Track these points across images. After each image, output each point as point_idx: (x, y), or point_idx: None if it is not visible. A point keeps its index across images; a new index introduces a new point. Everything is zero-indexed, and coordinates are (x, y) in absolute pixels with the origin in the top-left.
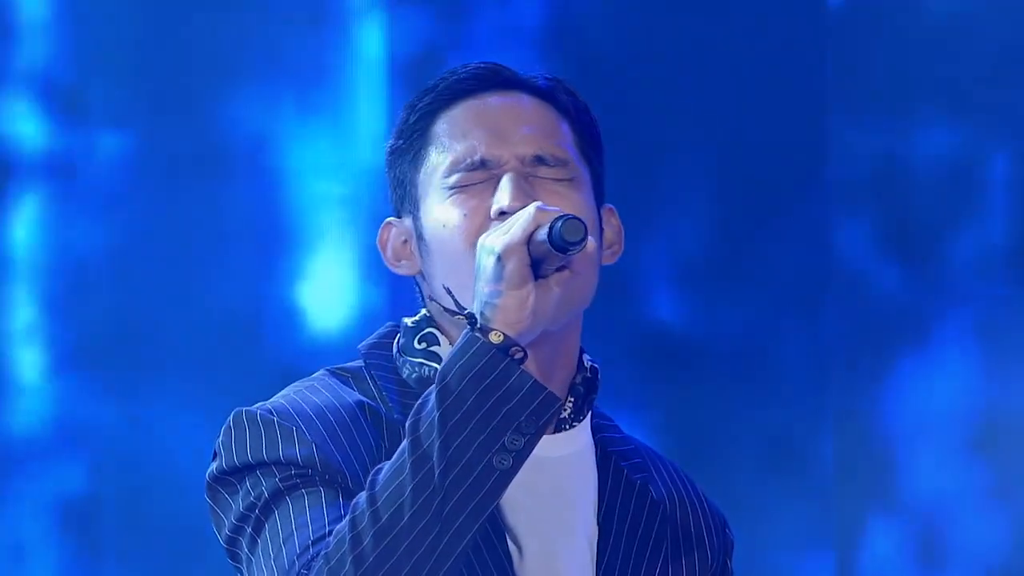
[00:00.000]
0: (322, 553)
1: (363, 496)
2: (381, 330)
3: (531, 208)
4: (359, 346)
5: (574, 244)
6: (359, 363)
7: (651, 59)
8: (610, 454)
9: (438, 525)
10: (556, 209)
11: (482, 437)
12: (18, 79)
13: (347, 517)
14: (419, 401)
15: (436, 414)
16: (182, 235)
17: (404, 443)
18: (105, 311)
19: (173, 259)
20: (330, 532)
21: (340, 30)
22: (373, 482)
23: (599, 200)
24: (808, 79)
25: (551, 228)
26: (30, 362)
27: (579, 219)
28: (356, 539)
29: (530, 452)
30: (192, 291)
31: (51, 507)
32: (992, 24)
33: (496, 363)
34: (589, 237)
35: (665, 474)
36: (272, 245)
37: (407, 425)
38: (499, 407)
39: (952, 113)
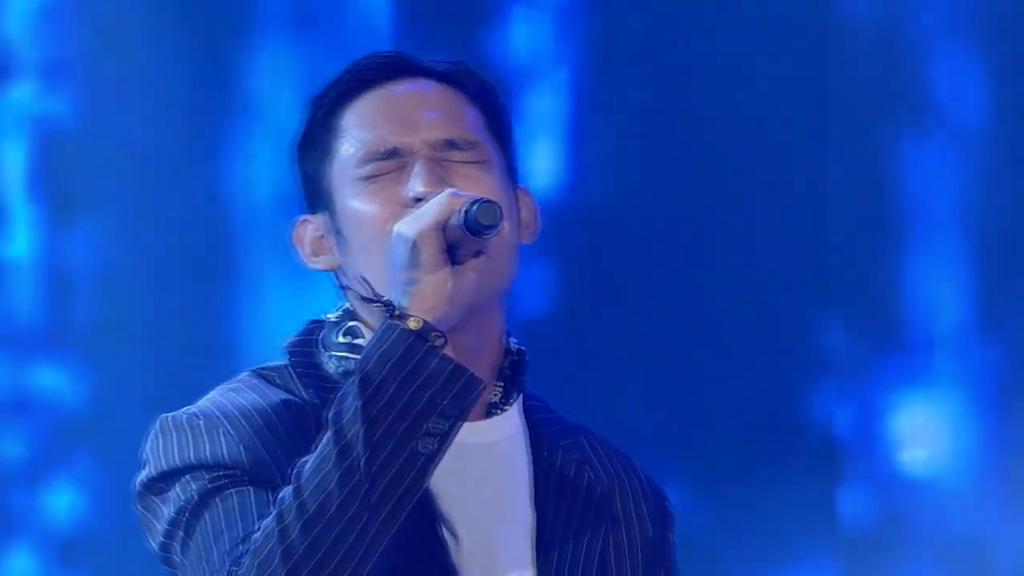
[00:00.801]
0: (251, 549)
1: (288, 489)
2: (304, 327)
3: (444, 194)
4: (283, 345)
5: (489, 227)
6: (283, 362)
7: (659, 60)
8: (543, 436)
9: (366, 513)
10: (470, 194)
11: (405, 423)
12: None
13: (274, 511)
14: (340, 392)
15: (358, 403)
16: (182, 231)
17: (327, 434)
18: (93, 310)
19: (168, 255)
20: (259, 528)
21: (344, 33)
22: (298, 475)
23: (512, 181)
24: (809, 84)
25: (466, 212)
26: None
27: (494, 202)
28: (284, 532)
29: (454, 435)
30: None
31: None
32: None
33: (416, 349)
34: (504, 221)
35: (601, 452)
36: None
37: (329, 416)
38: (421, 392)
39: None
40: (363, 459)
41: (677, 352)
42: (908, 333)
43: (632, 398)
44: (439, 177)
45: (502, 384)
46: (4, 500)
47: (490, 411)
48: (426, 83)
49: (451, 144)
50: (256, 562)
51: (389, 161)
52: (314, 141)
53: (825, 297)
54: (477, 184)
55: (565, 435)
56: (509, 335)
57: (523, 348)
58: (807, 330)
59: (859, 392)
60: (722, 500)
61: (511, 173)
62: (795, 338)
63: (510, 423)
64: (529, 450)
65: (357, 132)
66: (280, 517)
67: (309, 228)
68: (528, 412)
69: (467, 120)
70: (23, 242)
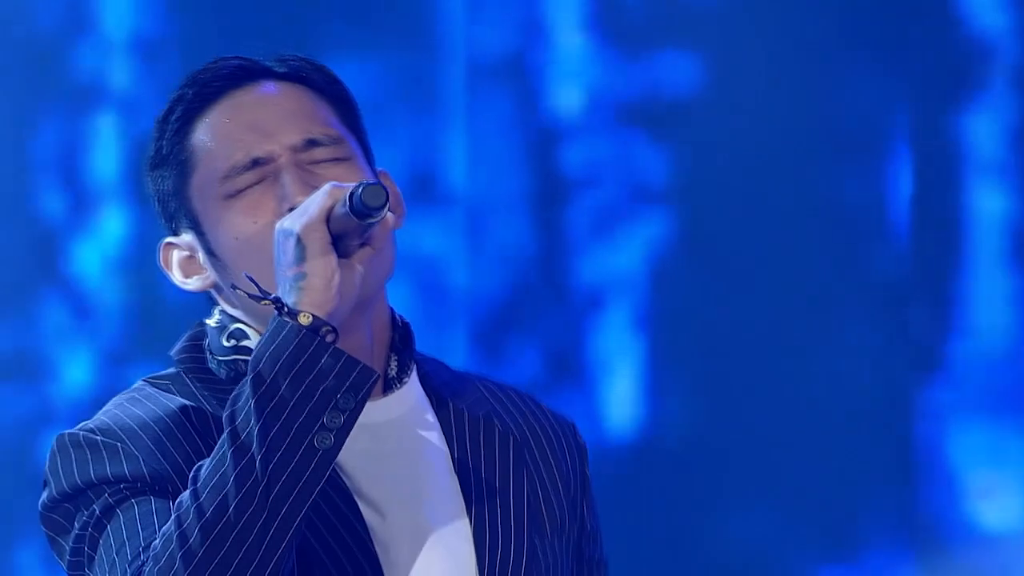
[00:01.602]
0: (151, 555)
1: (186, 494)
2: (189, 333)
3: (326, 187)
4: (170, 352)
5: (377, 209)
6: (175, 370)
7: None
8: (446, 399)
9: (264, 512)
10: (351, 184)
11: (300, 420)
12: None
13: (172, 516)
14: (234, 393)
15: (251, 402)
16: None
17: (223, 436)
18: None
19: None
20: (159, 535)
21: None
22: (195, 478)
23: (373, 168)
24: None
25: (351, 196)
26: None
27: (380, 184)
28: (183, 536)
29: (351, 428)
30: None
31: None
32: None
33: (307, 344)
34: (389, 201)
35: (504, 398)
36: None
37: (224, 417)
38: (314, 388)
39: None
40: (259, 457)
41: (755, 360)
42: (983, 341)
43: (706, 405)
44: (310, 183)
45: (397, 358)
46: None
47: (389, 386)
48: (273, 85)
49: (313, 143)
50: (157, 568)
51: (253, 172)
52: (168, 161)
53: (904, 299)
54: (350, 180)
55: (466, 391)
56: (393, 311)
57: (407, 320)
58: (891, 332)
59: (936, 398)
60: (799, 502)
61: (370, 160)
62: (877, 342)
63: (411, 394)
64: (435, 415)
65: (214, 147)
66: (179, 521)
67: (175, 250)
68: (426, 379)
69: (322, 116)
70: (113, 242)
